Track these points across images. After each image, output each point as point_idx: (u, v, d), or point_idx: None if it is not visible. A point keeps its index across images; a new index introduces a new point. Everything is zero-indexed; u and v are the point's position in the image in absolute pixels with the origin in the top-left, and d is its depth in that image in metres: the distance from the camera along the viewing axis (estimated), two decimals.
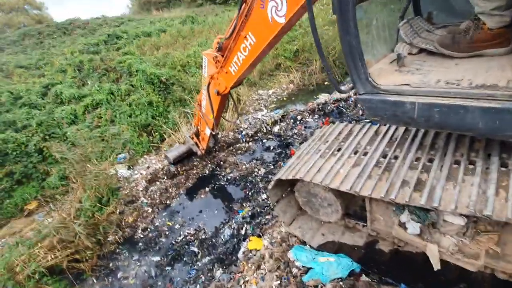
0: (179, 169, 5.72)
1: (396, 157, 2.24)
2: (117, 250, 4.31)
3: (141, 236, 4.46)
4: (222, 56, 3.72)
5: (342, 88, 2.01)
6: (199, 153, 5.64)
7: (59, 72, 9.75)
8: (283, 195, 2.93)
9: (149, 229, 4.54)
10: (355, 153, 2.48)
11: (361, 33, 1.73)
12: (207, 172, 5.56)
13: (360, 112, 5.98)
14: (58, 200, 5.35)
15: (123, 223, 4.70)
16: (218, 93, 4.05)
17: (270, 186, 2.70)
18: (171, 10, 21.36)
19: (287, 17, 2.49)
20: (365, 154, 2.42)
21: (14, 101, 8.34)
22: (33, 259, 3.80)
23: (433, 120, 1.66)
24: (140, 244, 4.32)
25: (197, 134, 5.59)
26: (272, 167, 5.34)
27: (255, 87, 9.60)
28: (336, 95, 7.49)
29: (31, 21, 23.61)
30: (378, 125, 2.78)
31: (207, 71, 4.13)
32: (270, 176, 5.06)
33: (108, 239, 4.46)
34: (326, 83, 9.18)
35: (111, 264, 4.13)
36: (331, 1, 1.71)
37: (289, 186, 2.88)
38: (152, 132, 7.22)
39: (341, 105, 6.71)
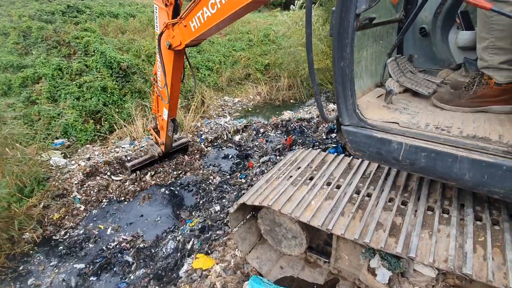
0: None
1: (369, 195, 2.16)
2: (31, 252, 3.62)
3: (65, 237, 3.81)
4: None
5: (328, 116, 1.91)
6: (158, 151, 4.89)
7: (0, 35, 8.43)
8: (244, 220, 2.68)
9: (76, 230, 3.91)
10: (328, 184, 2.37)
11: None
12: (163, 174, 5.06)
13: (324, 136, 6.02)
14: None
15: (45, 219, 4.00)
16: (170, 47, 3.46)
17: (232, 210, 2.46)
18: None
19: None
20: (338, 187, 2.31)
21: None
22: None
23: (418, 164, 1.59)
24: (61, 247, 3.67)
25: (156, 129, 4.92)
26: (228, 176, 5.10)
27: (222, 92, 9.33)
28: (300, 114, 7.59)
29: None
30: (351, 157, 2.71)
31: (159, 20, 3.56)
32: (225, 186, 4.80)
33: (24, 236, 3.75)
34: (292, 100, 9.30)
35: (21, 267, 3.43)
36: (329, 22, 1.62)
37: (252, 210, 2.65)
38: (102, 120, 6.49)
39: (303, 125, 6.77)
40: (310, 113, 7.63)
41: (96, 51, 7.64)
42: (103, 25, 10.26)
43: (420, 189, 2.10)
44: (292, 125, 6.83)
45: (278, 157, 5.41)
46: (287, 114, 7.59)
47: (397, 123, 1.69)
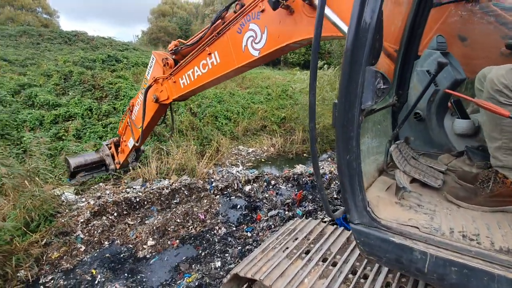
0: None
1: (365, 277, 2.01)
2: None
3: (57, 281, 3.67)
4: (174, 61, 3.32)
5: (335, 213, 1.72)
6: (112, 167, 4.70)
7: (43, 76, 9.36)
8: None
9: (70, 273, 3.81)
10: (324, 260, 2.26)
11: None
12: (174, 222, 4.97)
13: (334, 195, 5.87)
14: None
15: (44, 257, 3.95)
16: (156, 100, 3.48)
17: (225, 280, 2.40)
18: None
19: (262, 52, 2.27)
20: (334, 264, 2.19)
21: None
22: None
23: (449, 280, 1.33)
24: None
25: (117, 144, 4.76)
26: (234, 228, 4.95)
27: (237, 141, 9.55)
28: (312, 169, 7.52)
29: (38, 23, 23.50)
30: (350, 231, 2.57)
31: (151, 72, 3.55)
32: (229, 238, 4.64)
33: (18, 274, 3.65)
34: (305, 154, 9.32)
35: None
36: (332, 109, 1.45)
37: (248, 281, 2.56)
38: None
39: (315, 180, 6.65)
40: (323, 168, 7.56)
41: (125, 95, 8.24)
42: (136, 73, 11.18)
43: None
44: (303, 180, 6.75)
45: (286, 212, 5.26)
46: (299, 168, 7.55)
47: (418, 228, 1.48)
